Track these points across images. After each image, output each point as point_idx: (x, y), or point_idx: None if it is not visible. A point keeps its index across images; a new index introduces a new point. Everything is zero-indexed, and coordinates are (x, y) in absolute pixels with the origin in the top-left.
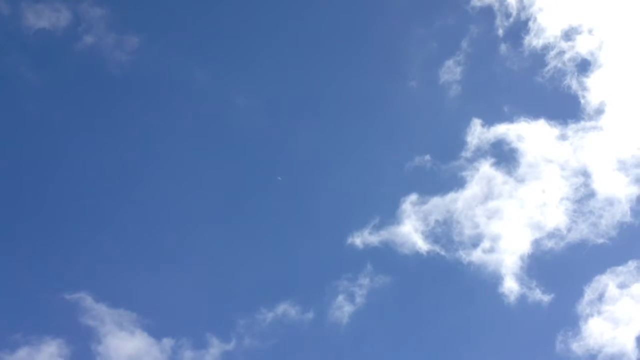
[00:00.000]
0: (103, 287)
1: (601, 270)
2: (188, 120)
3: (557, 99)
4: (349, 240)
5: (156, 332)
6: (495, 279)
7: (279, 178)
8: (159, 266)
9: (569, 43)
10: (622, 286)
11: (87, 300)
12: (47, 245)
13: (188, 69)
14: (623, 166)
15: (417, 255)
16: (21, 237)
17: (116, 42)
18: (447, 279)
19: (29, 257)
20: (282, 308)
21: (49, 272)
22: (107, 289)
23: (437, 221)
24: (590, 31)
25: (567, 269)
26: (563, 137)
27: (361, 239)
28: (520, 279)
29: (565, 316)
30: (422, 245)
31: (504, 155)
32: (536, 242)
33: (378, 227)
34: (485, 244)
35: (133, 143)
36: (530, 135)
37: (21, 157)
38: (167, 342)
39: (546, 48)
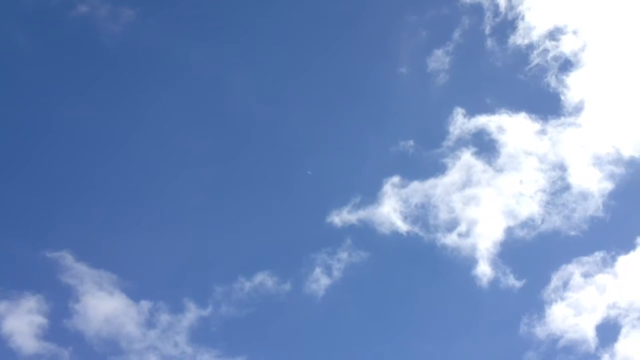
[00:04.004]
0: (85, 247)
1: (568, 259)
2: (178, 94)
3: (540, 95)
4: (330, 215)
5: (134, 294)
6: (468, 262)
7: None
8: (141, 230)
9: (554, 42)
10: (586, 275)
11: (68, 259)
12: (31, 203)
13: (182, 44)
14: (598, 162)
15: (396, 235)
16: (6, 195)
17: (111, 13)
18: (423, 259)
19: (12, 214)
20: (259, 278)
21: (31, 229)
22: (89, 250)
23: (416, 204)
24: (575, 32)
25: (537, 257)
26: (543, 131)
27: (342, 215)
28: (492, 264)
29: (531, 301)
30: (400, 225)
31: (485, 145)
32: (510, 230)
33: (358, 206)
34: (462, 228)
35: (122, 112)
36: (512, 128)
37: (10, 121)
38: (145, 304)
39: (531, 46)
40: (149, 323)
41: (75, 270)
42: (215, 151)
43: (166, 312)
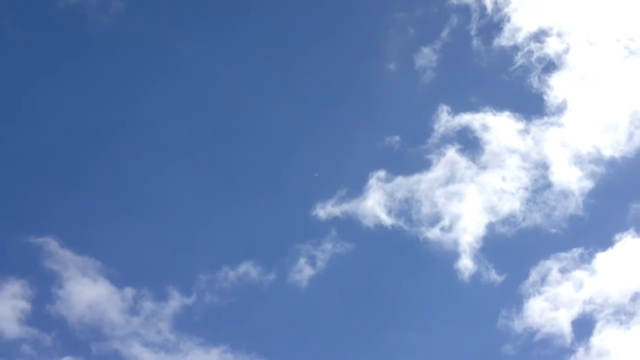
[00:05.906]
0: (69, 234)
1: (547, 255)
2: (166, 85)
3: (523, 95)
4: (315, 208)
5: (118, 281)
6: (451, 256)
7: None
8: (127, 218)
9: (538, 44)
10: (564, 271)
11: (53, 244)
12: (17, 189)
13: (172, 36)
14: (579, 161)
15: (380, 228)
16: None
17: (100, 4)
18: (407, 252)
19: None
20: (244, 267)
21: (16, 215)
22: (74, 236)
23: (401, 198)
24: (559, 34)
25: (517, 252)
26: (526, 130)
27: (327, 208)
28: (474, 258)
29: (510, 295)
30: (385, 218)
31: (469, 143)
32: (491, 226)
33: (343, 199)
34: (445, 222)
35: (111, 103)
36: (495, 126)
37: None
38: (129, 291)
39: (516, 47)
40: (133, 310)
41: (60, 256)
42: (202, 142)
43: (150, 300)
